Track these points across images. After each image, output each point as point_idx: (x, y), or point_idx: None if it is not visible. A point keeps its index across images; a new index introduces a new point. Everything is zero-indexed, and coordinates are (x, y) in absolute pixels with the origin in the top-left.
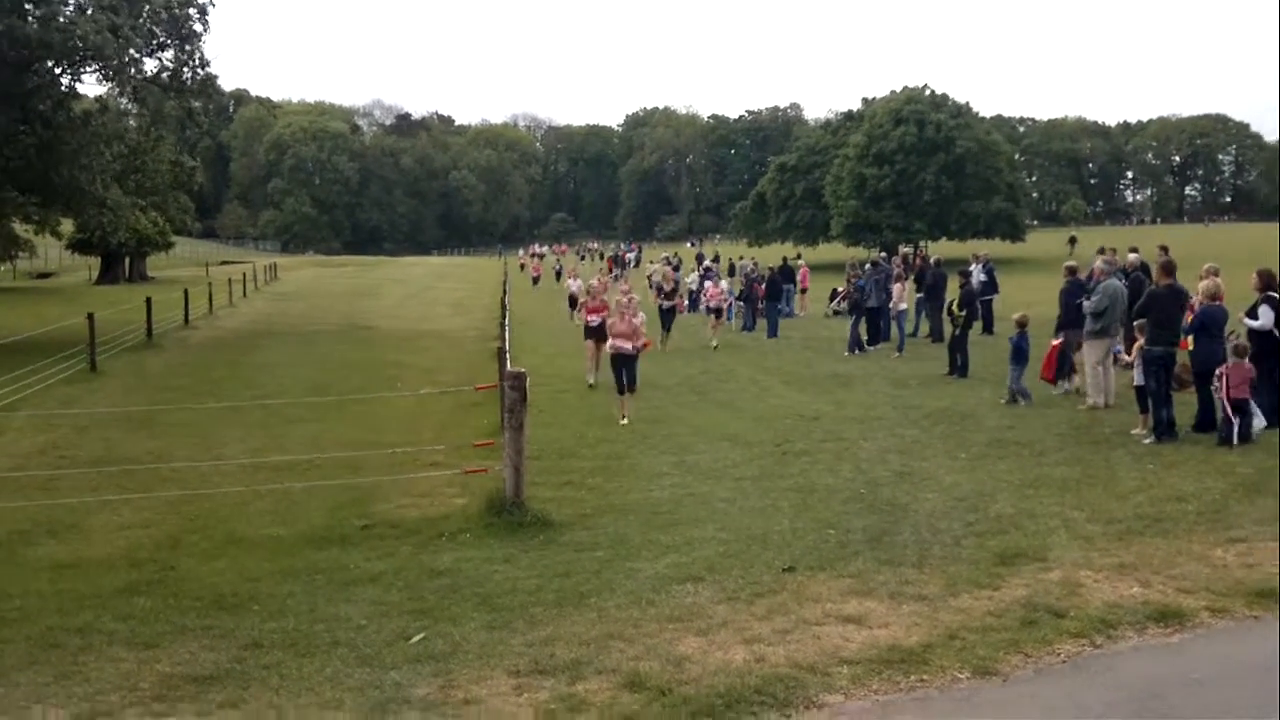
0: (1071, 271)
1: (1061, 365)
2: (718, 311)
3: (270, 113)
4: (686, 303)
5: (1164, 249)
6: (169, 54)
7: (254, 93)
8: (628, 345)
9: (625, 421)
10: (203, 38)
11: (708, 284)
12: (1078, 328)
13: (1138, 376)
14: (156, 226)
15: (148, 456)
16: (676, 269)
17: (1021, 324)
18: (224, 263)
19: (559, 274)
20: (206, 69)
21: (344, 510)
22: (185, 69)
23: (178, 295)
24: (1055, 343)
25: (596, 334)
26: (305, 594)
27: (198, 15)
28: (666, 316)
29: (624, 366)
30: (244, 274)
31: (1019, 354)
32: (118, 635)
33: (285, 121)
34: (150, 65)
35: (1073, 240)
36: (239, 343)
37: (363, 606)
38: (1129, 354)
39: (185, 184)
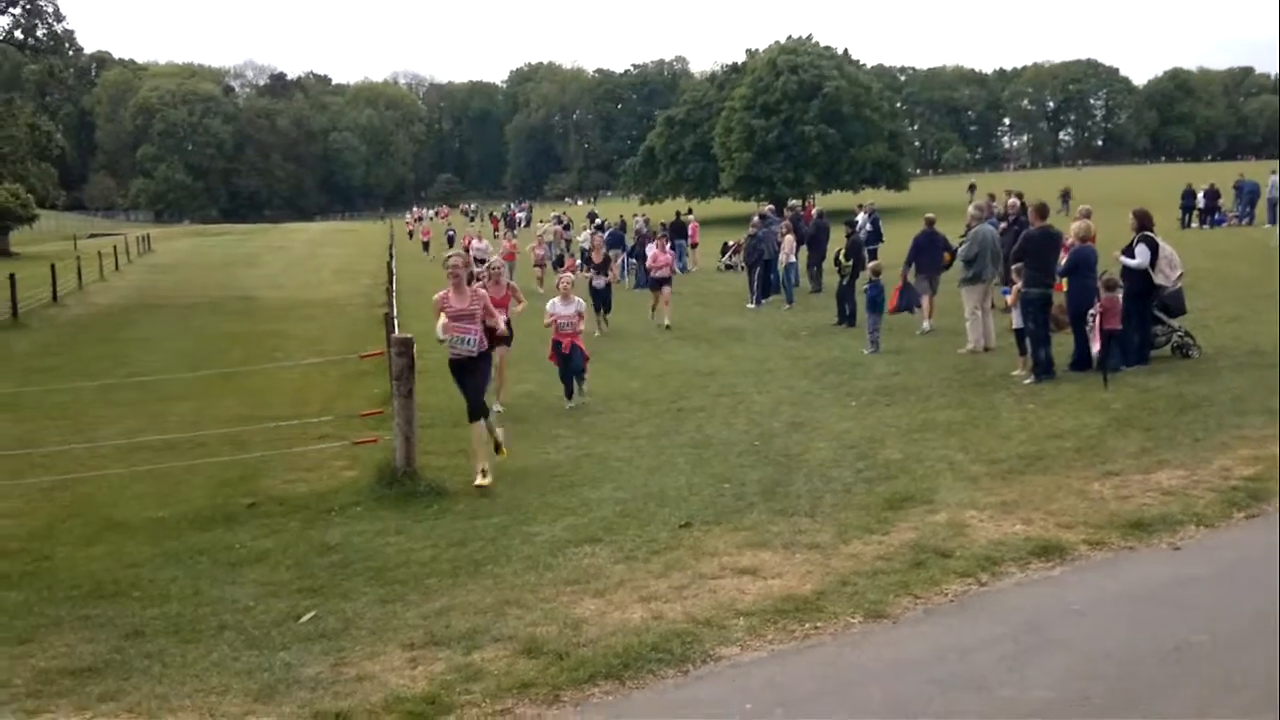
0: (930, 223)
1: (905, 301)
2: (663, 281)
3: (136, 75)
4: (579, 262)
5: (1018, 195)
6: (19, 9)
7: (117, 55)
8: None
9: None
10: None
11: (650, 248)
12: (926, 272)
13: (1016, 319)
14: (17, 198)
15: (15, 442)
16: (567, 228)
17: (876, 272)
18: (93, 235)
19: (451, 239)
20: (61, 24)
21: (228, 488)
22: (37, 24)
23: (44, 271)
24: (901, 281)
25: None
26: (189, 577)
27: None
28: (602, 296)
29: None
30: (115, 246)
31: (874, 304)
32: None
33: (152, 85)
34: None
35: (972, 187)
36: (112, 319)
37: (250, 587)
38: (1012, 299)
39: (45, 150)
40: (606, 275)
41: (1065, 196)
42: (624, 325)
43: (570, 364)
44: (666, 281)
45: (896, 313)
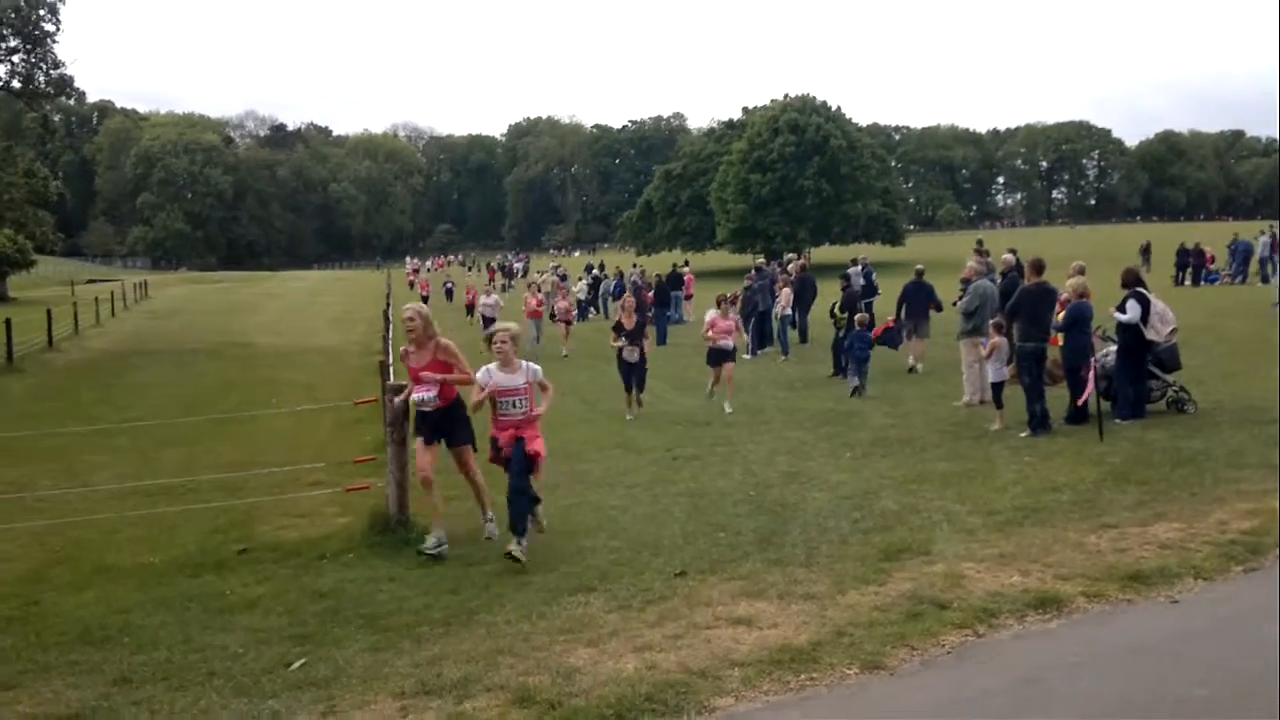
0: (919, 274)
1: (888, 336)
2: (724, 355)
3: (136, 124)
4: (576, 313)
5: (1011, 250)
6: (18, 58)
7: (119, 104)
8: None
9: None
10: (55, 37)
11: (710, 314)
12: (913, 317)
13: (992, 373)
14: (14, 244)
15: (8, 486)
16: (564, 279)
17: (861, 324)
18: (91, 281)
19: (449, 292)
20: (60, 70)
21: (220, 534)
22: (37, 71)
23: (40, 316)
24: (891, 320)
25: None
26: (178, 623)
27: (48, 14)
28: (635, 370)
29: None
30: (112, 292)
31: (855, 350)
32: None
33: (153, 134)
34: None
35: (979, 243)
36: (108, 364)
37: (240, 634)
38: (988, 352)
39: (42, 196)
40: (641, 344)
41: (1145, 252)
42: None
43: (512, 468)
44: (729, 355)
45: (879, 342)
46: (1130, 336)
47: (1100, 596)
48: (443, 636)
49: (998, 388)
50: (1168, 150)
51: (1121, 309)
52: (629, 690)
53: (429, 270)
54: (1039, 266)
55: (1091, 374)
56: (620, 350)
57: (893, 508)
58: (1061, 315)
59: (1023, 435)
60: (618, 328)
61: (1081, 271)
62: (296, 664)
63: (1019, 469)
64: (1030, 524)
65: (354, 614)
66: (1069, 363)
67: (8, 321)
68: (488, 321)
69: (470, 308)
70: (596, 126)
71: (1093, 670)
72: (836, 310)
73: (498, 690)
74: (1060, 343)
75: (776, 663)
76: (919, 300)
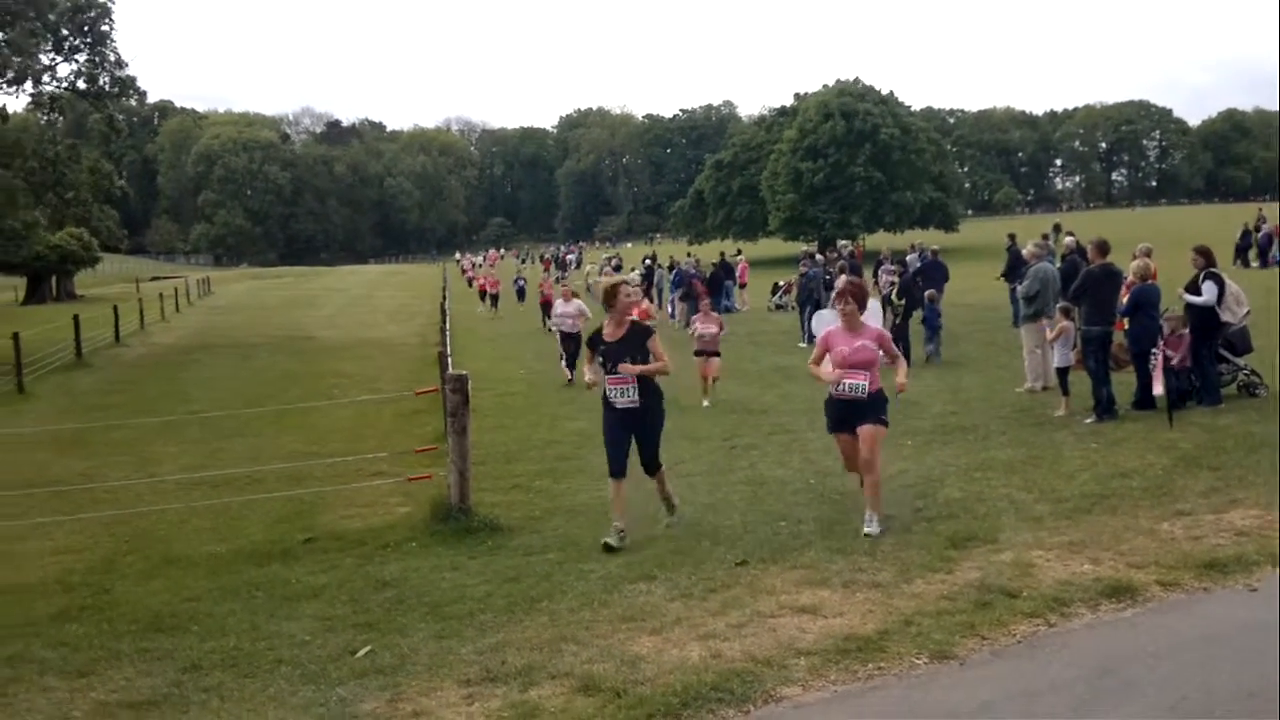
0: (934, 253)
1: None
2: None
3: (196, 124)
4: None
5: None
6: (81, 57)
7: (179, 104)
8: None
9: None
10: (112, 37)
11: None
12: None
13: (1058, 358)
14: (80, 241)
15: (79, 477)
16: (618, 269)
17: (931, 299)
18: (155, 278)
19: (521, 291)
20: (123, 70)
21: (285, 524)
22: (100, 71)
23: (107, 312)
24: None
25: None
26: (246, 612)
27: (103, 16)
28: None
29: None
30: (176, 289)
31: (930, 325)
32: (49, 664)
33: (213, 132)
34: (64, 71)
35: (1056, 228)
36: (173, 358)
37: (306, 622)
38: (1053, 335)
39: (107, 193)
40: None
41: (1056, 229)
42: (673, 359)
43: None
44: (714, 352)
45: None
46: (1204, 319)
47: (1176, 585)
48: (505, 624)
49: (1063, 373)
50: (1231, 129)
51: (1195, 290)
52: (694, 678)
53: (484, 265)
54: (1104, 247)
55: (1160, 359)
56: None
57: (957, 495)
58: (1125, 298)
59: (1088, 421)
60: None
61: (1147, 254)
62: (362, 651)
63: (1086, 455)
64: (1100, 511)
65: (417, 602)
66: (1135, 347)
67: (76, 318)
68: (565, 338)
69: (546, 308)
70: (647, 116)
71: (1171, 660)
72: (894, 297)
73: (562, 678)
74: (1125, 327)
75: (843, 652)
76: (935, 276)
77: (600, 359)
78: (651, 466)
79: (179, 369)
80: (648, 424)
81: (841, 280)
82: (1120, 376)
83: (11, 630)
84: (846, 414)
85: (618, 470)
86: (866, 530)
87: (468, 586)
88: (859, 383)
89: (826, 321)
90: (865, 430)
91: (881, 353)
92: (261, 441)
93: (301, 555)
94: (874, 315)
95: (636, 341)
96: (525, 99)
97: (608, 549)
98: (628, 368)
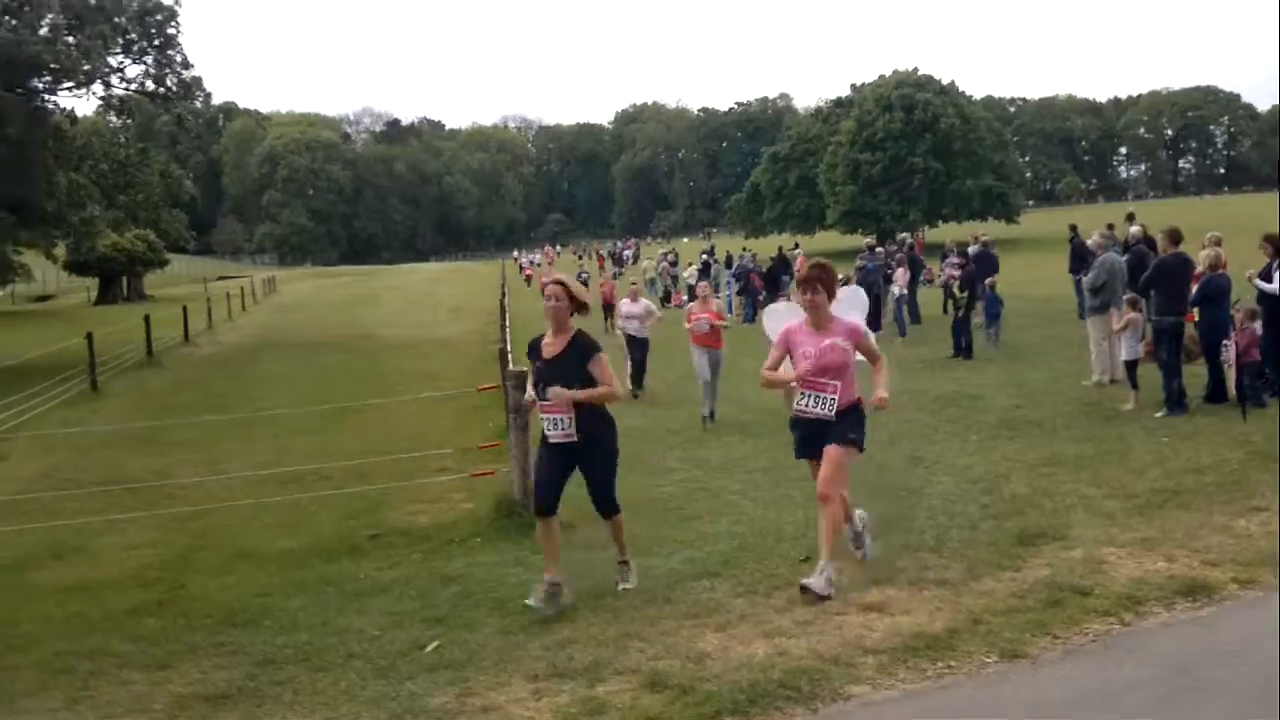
0: (986, 245)
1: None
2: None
3: (260, 125)
4: (685, 297)
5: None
6: (149, 59)
7: (242, 105)
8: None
9: None
10: (178, 40)
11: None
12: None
13: (1126, 350)
14: (147, 243)
15: (152, 475)
16: (674, 264)
17: (991, 285)
18: (221, 278)
19: (584, 285)
20: (189, 72)
21: (352, 520)
22: (167, 73)
23: (177, 312)
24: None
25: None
26: (317, 606)
27: (169, 18)
28: None
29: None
30: (242, 288)
31: (991, 311)
32: (128, 657)
33: (276, 133)
34: (132, 73)
35: (1130, 217)
36: (240, 357)
37: (375, 617)
38: (1120, 327)
39: (176, 197)
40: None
41: (1130, 218)
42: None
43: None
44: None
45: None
46: (1276, 308)
47: (1253, 583)
48: (571, 620)
49: (1132, 366)
50: None
51: (1266, 277)
52: (761, 675)
53: (540, 263)
54: (1175, 236)
55: (1232, 350)
56: None
57: (1024, 491)
58: (1195, 289)
59: (1158, 415)
60: None
61: (1218, 243)
62: (431, 646)
63: (1156, 450)
64: (1172, 507)
65: (484, 597)
66: (1206, 339)
67: (146, 318)
68: (632, 342)
69: (608, 309)
70: (702, 110)
71: (1251, 659)
72: (956, 290)
73: (629, 674)
74: (1196, 318)
75: (912, 650)
76: (985, 268)
77: (533, 378)
78: (604, 508)
79: (246, 367)
80: (592, 462)
81: (801, 263)
82: (1191, 369)
83: (91, 624)
84: (814, 434)
85: (546, 506)
86: (804, 582)
87: (532, 582)
88: (825, 395)
89: (782, 316)
90: (829, 450)
91: (858, 353)
92: (327, 438)
93: (369, 551)
94: (852, 304)
95: (575, 362)
96: (581, 95)
97: (530, 610)
98: (560, 393)
